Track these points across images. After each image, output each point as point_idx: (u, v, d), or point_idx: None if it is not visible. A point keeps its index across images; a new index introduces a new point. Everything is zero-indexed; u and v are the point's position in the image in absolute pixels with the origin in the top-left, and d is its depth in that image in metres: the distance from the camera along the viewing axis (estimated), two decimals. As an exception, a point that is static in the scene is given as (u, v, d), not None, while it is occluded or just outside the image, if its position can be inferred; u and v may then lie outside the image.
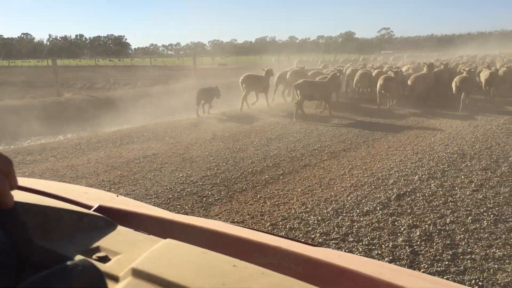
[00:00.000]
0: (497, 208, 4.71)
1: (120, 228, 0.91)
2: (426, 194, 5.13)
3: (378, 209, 4.68)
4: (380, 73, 13.49)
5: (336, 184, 5.61)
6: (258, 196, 5.23)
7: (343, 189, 5.37)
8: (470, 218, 4.41)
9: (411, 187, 5.37)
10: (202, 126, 9.90)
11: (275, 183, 5.72)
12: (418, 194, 5.14)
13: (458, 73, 13.50)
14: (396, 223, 4.31)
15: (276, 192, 5.36)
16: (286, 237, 1.00)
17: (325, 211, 4.65)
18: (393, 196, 5.05)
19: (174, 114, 13.60)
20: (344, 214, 4.55)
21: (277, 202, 5.00)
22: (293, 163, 6.61)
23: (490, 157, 6.73)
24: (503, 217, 4.41)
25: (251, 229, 1.00)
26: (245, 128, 9.53)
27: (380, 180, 5.67)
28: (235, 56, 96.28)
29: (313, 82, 11.33)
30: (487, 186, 5.42)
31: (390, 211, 4.61)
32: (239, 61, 69.50)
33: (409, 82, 13.11)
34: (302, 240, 1.03)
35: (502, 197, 5.04)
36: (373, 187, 5.44)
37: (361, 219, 4.43)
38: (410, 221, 4.29)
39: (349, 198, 5.04)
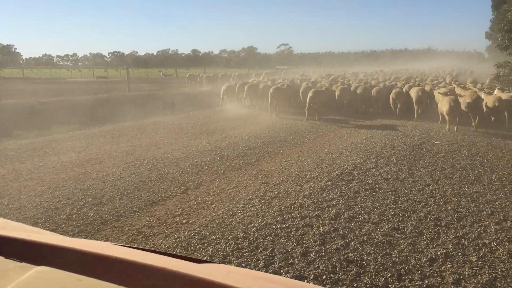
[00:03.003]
0: None
1: None
2: None
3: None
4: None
5: None
6: None
7: None
8: None
9: None
10: None
11: None
12: None
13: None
14: None
15: None
16: (175, 255, 0.92)
17: None
18: None
19: None
20: None
21: None
22: None
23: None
24: None
25: (137, 248, 0.93)
26: None
27: None
28: (137, 68, 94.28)
29: None
30: None
31: None
32: (123, 74, 64.56)
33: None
34: (192, 257, 0.89)
35: None
36: None
37: None
38: None
39: None
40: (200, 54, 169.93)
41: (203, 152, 7.79)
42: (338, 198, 5.34)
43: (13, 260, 0.82)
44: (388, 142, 8.89)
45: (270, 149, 8.18)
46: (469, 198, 5.47)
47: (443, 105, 10.37)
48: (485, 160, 7.56)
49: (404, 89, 13.96)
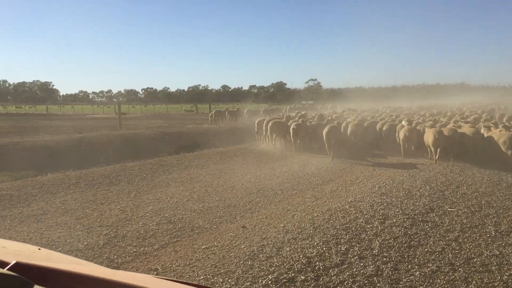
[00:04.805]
0: None
1: None
2: None
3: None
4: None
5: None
6: None
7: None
8: None
9: None
10: None
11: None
12: None
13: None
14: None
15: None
16: None
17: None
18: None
19: None
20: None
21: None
22: None
23: None
24: None
25: (181, 282, 0.93)
26: None
27: None
28: (167, 104, 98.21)
29: None
30: None
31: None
32: (144, 110, 64.80)
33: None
34: None
35: None
36: None
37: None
38: None
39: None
40: (230, 90, 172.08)
41: (92, 229, 5.36)
42: None
43: None
44: (379, 210, 6.24)
45: (201, 223, 5.69)
46: None
47: (428, 136, 10.70)
48: (523, 248, 4.80)
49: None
